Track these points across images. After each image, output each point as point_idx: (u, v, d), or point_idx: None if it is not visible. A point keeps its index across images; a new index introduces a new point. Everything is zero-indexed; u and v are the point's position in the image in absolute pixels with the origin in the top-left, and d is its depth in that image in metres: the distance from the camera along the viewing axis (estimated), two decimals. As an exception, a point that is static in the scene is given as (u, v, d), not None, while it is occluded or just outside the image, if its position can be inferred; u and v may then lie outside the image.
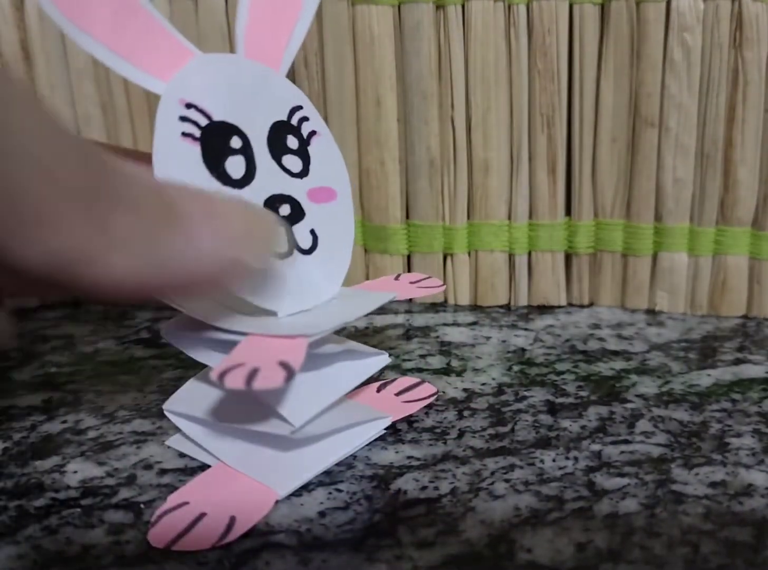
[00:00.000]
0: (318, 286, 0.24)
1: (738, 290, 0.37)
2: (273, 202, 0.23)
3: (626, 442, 0.25)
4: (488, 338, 0.35)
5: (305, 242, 0.24)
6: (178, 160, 0.21)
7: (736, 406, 0.28)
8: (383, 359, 0.25)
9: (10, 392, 0.30)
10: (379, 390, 0.28)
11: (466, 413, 0.27)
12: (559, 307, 0.39)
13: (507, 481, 0.23)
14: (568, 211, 0.39)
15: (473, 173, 0.38)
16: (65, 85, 0.39)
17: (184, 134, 0.21)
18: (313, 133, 0.24)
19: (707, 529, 0.20)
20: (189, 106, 0.21)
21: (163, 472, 0.24)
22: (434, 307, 0.39)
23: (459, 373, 0.31)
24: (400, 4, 0.36)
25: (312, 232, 0.24)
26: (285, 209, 0.23)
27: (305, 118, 0.24)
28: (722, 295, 0.37)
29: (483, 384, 0.30)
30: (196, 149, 0.21)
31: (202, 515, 0.21)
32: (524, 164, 0.37)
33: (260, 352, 0.20)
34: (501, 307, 0.39)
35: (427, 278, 0.27)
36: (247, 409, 0.23)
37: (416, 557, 0.19)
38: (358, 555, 0.20)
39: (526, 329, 0.36)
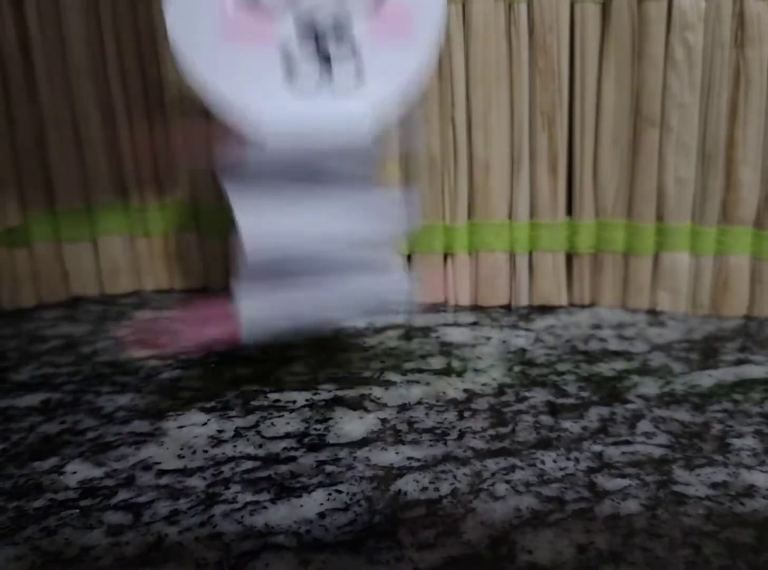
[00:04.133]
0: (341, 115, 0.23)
1: (740, 290, 0.37)
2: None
3: (627, 442, 0.25)
4: (489, 338, 0.35)
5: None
6: None
7: (738, 406, 0.28)
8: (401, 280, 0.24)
9: (9, 393, 0.30)
10: None
11: (466, 414, 0.27)
12: (560, 307, 0.39)
13: (508, 482, 0.23)
14: (569, 211, 0.38)
15: (474, 172, 0.38)
16: (64, 84, 0.39)
17: None
18: None
19: (709, 531, 0.20)
20: None
21: (162, 473, 0.24)
22: (434, 307, 0.39)
23: (459, 374, 0.31)
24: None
25: (349, 69, 0.23)
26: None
27: None
28: (724, 295, 0.37)
29: (483, 384, 0.30)
30: None
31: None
32: (525, 163, 0.37)
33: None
34: (502, 307, 0.39)
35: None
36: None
37: (416, 559, 0.19)
38: (358, 556, 0.19)
39: (526, 329, 0.36)
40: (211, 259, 0.42)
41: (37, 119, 0.39)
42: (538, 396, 0.29)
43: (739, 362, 0.32)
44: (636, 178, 0.37)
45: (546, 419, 0.27)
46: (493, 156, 0.37)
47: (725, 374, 0.31)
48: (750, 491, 0.22)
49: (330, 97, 0.23)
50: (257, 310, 0.24)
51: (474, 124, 0.37)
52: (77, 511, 0.22)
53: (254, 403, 0.28)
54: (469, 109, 0.37)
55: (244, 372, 0.31)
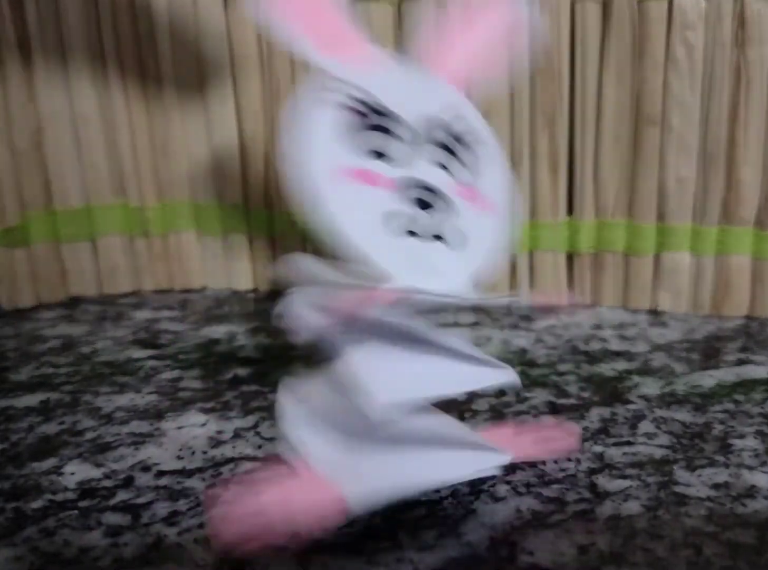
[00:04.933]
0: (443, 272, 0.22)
1: (741, 290, 0.37)
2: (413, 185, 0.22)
3: (628, 443, 0.25)
4: (490, 339, 0.35)
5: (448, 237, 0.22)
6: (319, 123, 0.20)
7: (739, 407, 0.28)
8: (506, 374, 0.23)
9: (8, 393, 0.30)
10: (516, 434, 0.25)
11: (467, 415, 0.27)
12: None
13: (508, 483, 0.23)
14: (570, 211, 0.38)
15: (474, 172, 0.38)
16: (63, 84, 0.39)
17: (339, 106, 0.21)
18: (471, 137, 0.24)
19: (710, 531, 0.20)
20: (354, 92, 0.21)
21: (161, 473, 0.23)
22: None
23: (460, 374, 0.31)
24: (401, 3, 0.36)
25: (454, 228, 0.23)
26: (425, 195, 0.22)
27: (462, 121, 0.24)
28: (725, 295, 0.37)
29: (484, 385, 0.30)
30: (346, 116, 0.21)
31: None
32: (525, 163, 0.37)
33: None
34: (502, 307, 0.39)
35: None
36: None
37: (416, 560, 0.19)
38: (357, 558, 0.19)
39: (527, 330, 0.36)
40: (211, 259, 0.42)
41: (36, 118, 0.39)
42: (539, 396, 0.29)
43: (741, 362, 0.32)
44: (637, 178, 0.37)
45: (547, 419, 0.27)
46: (493, 156, 0.37)
47: (726, 374, 0.31)
48: (751, 492, 0.22)
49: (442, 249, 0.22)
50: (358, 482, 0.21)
51: (474, 123, 0.37)
52: (76, 512, 0.21)
53: (253, 403, 0.28)
54: (470, 109, 0.37)
55: (243, 372, 0.31)
